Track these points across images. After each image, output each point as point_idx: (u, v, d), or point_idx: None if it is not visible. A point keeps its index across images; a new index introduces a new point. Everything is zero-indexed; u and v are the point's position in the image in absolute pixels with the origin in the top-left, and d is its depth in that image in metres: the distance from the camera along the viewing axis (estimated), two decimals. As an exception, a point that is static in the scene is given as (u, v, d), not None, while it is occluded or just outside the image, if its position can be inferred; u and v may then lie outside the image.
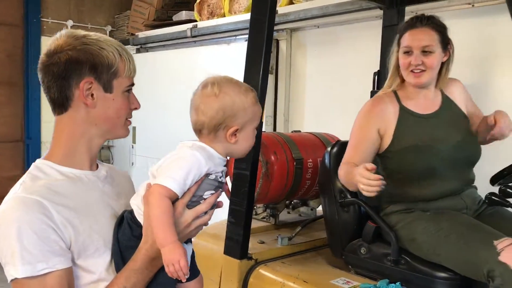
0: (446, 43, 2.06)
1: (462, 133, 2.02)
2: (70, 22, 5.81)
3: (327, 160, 2.28)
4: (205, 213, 1.29)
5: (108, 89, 1.28)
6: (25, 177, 1.25)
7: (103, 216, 1.29)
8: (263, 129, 3.00)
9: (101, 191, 1.33)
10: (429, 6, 3.14)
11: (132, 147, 5.49)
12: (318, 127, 3.37)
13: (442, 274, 1.82)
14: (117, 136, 1.38)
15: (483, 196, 1.93)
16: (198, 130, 1.32)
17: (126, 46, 5.10)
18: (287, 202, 2.63)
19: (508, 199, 1.59)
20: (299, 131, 2.92)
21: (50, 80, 1.26)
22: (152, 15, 5.55)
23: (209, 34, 4.59)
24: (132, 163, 5.47)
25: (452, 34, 3.07)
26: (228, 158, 1.36)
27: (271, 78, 4.12)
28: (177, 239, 1.17)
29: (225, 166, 1.34)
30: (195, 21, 4.84)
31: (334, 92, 3.78)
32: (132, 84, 1.34)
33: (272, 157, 2.36)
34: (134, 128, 5.45)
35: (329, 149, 2.30)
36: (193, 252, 1.38)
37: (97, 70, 1.25)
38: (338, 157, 2.21)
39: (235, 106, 1.28)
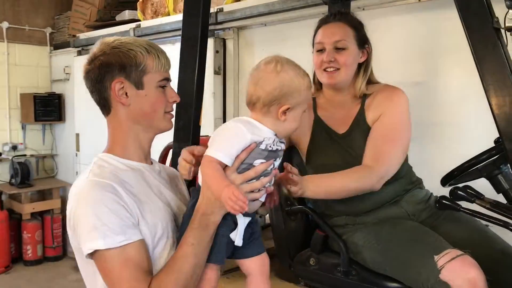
0: (363, 42, 1.91)
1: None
2: (5, 24, 5.46)
3: (279, 166, 2.13)
4: (259, 189, 1.33)
5: (139, 86, 1.38)
6: (92, 166, 1.38)
7: (159, 203, 1.41)
8: (207, 133, 2.85)
9: (158, 181, 1.46)
10: (375, 1, 3.06)
11: (76, 155, 5.19)
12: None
13: (394, 285, 1.71)
14: (161, 130, 1.46)
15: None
16: (253, 104, 1.36)
17: (66, 49, 4.87)
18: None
19: (459, 202, 1.47)
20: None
21: (91, 85, 1.41)
22: (94, 15, 5.30)
23: (153, 34, 4.38)
24: (77, 172, 5.17)
25: (400, 30, 3.06)
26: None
27: (218, 79, 3.96)
28: (230, 183, 1.23)
29: (282, 141, 1.39)
30: (139, 20, 4.63)
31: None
32: (167, 79, 1.43)
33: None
34: (77, 135, 5.17)
35: (276, 153, 2.15)
36: (255, 228, 1.42)
37: (126, 69, 1.36)
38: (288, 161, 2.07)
39: (292, 86, 1.33)
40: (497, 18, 1.16)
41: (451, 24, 2.82)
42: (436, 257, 1.54)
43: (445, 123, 2.76)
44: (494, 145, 1.94)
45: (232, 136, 1.31)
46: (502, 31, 1.16)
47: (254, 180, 1.31)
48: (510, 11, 1.11)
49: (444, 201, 1.47)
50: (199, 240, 1.28)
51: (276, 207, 2.07)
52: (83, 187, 1.31)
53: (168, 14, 4.39)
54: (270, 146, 1.33)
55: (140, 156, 1.45)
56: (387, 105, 1.84)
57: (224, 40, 3.93)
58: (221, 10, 3.83)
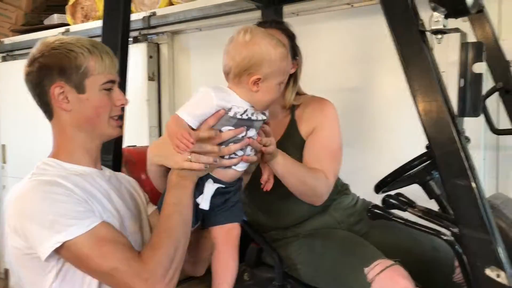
0: (294, 53, 1.88)
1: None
2: None
3: (205, 176, 2.03)
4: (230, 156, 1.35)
5: (80, 90, 1.30)
6: (34, 170, 1.30)
7: (109, 206, 1.34)
8: (142, 143, 2.71)
9: (107, 186, 1.38)
10: (308, 6, 3.04)
11: (2, 168, 4.85)
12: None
13: (330, 298, 1.65)
14: (107, 137, 1.40)
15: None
16: (226, 74, 1.40)
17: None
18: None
19: (391, 211, 1.43)
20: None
21: (31, 89, 1.34)
22: (21, 19, 4.99)
23: (84, 39, 4.17)
24: (4, 186, 4.82)
25: (334, 35, 3.06)
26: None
27: (153, 85, 3.81)
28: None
29: (263, 113, 1.40)
30: (68, 25, 4.40)
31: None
32: (112, 81, 1.34)
33: (142, 176, 2.05)
34: (3, 146, 4.83)
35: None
36: (232, 198, 1.45)
37: (65, 72, 1.28)
38: None
39: (261, 56, 1.33)
40: (422, 20, 1.13)
41: (383, 30, 2.85)
42: (366, 270, 1.53)
43: (378, 128, 2.77)
44: (426, 150, 1.96)
45: (199, 99, 1.34)
46: (428, 34, 1.12)
47: (223, 146, 1.33)
48: (435, 13, 1.08)
49: (375, 211, 1.42)
50: (179, 199, 1.30)
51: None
52: (27, 189, 1.23)
53: (99, 18, 4.20)
54: (240, 115, 1.33)
55: (88, 161, 1.38)
56: (320, 118, 1.81)
57: (158, 45, 3.80)
58: (154, 14, 3.69)
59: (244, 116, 1.34)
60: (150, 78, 3.76)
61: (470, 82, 1.06)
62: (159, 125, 3.85)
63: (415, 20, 1.11)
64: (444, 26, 1.08)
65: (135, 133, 3.61)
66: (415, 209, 1.43)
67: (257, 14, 3.17)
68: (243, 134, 1.36)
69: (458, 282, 1.82)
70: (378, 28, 2.83)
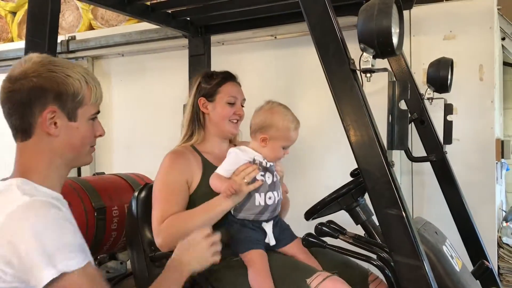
0: None
1: None
2: None
3: (134, 207, 1.97)
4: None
5: (72, 118, 1.27)
6: (17, 188, 1.20)
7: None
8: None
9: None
10: (234, 37, 3.11)
11: None
12: (128, 166, 3.05)
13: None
14: (81, 164, 1.40)
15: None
16: (250, 129, 1.82)
17: None
18: (90, 259, 2.23)
19: (324, 239, 1.49)
20: (103, 173, 2.56)
21: (12, 107, 1.25)
22: None
23: (-6, 62, 3.92)
24: None
25: (258, 65, 3.14)
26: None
27: (72, 112, 3.65)
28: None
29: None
30: (-23, 46, 4.12)
31: (144, 126, 3.50)
32: (98, 112, 1.34)
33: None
34: None
35: (136, 193, 1.99)
36: (281, 224, 1.88)
37: (61, 98, 1.24)
38: (147, 202, 1.93)
39: (273, 122, 1.75)
40: (353, 60, 1.20)
41: (306, 61, 2.99)
42: (308, 280, 1.58)
43: (304, 157, 2.86)
44: (350, 177, 2.05)
45: (232, 159, 1.76)
46: (358, 72, 1.19)
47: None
48: (365, 53, 1.16)
49: (310, 239, 1.46)
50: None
51: (138, 253, 1.92)
52: (27, 207, 1.14)
53: (12, 40, 3.99)
54: (261, 163, 1.75)
55: (59, 187, 1.31)
56: None
57: (77, 70, 3.66)
58: (73, 38, 3.58)
59: (265, 165, 1.76)
60: (69, 104, 3.60)
61: (397, 117, 1.14)
62: (78, 153, 3.70)
63: (347, 59, 1.18)
64: (372, 65, 1.16)
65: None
66: (346, 236, 1.49)
67: (181, 42, 3.18)
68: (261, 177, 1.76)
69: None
70: (301, 59, 3.00)
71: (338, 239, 1.51)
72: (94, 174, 2.43)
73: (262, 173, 1.76)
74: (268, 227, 1.79)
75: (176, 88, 3.21)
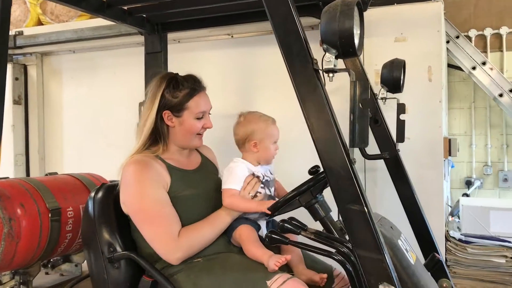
0: None
1: (217, 185, 1.99)
2: None
3: (90, 207, 1.92)
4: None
5: None
6: None
7: None
8: (6, 175, 2.48)
9: None
10: (191, 35, 3.09)
11: None
12: (81, 166, 2.98)
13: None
14: None
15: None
16: (238, 146, 1.96)
17: None
18: (43, 262, 2.16)
19: (286, 235, 1.51)
20: (56, 173, 2.48)
21: None
22: None
23: None
24: None
25: (214, 63, 3.14)
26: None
27: (19, 109, 3.52)
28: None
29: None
30: None
31: (97, 124, 3.41)
32: None
33: (18, 211, 1.89)
34: None
35: (92, 194, 1.94)
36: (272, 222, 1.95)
37: None
38: (104, 203, 1.89)
39: (253, 128, 1.90)
40: (316, 60, 1.23)
41: (263, 60, 3.02)
42: (268, 283, 1.59)
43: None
44: (309, 175, 2.09)
45: (235, 171, 1.87)
46: (321, 72, 1.22)
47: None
48: (327, 54, 1.19)
49: (273, 236, 1.48)
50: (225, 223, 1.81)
51: (95, 254, 1.88)
52: None
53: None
54: (262, 175, 1.90)
55: None
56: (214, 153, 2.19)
57: (25, 66, 3.53)
58: (20, 33, 3.44)
59: (265, 179, 1.91)
60: (16, 102, 3.47)
61: (358, 116, 1.18)
62: (26, 153, 3.56)
63: (310, 59, 1.21)
64: (334, 65, 1.19)
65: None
66: (307, 232, 1.52)
67: (136, 39, 3.14)
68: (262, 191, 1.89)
69: (338, 294, 1.97)
70: (259, 58, 3.03)
71: (300, 235, 1.53)
72: (46, 175, 2.36)
73: (262, 185, 1.89)
74: (262, 223, 1.90)
75: (130, 86, 3.16)
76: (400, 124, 2.13)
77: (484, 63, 3.80)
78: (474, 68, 3.81)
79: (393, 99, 2.12)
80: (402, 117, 2.11)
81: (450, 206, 3.35)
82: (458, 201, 3.36)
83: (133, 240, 1.87)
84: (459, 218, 3.26)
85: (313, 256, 2.02)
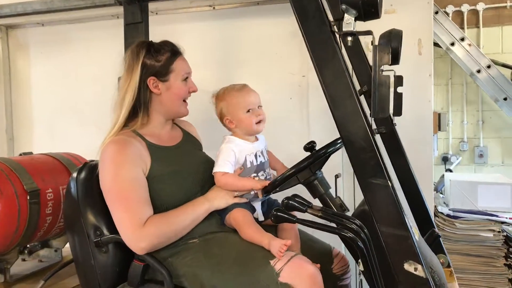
0: None
1: (203, 157, 1.94)
2: None
3: (73, 189, 1.78)
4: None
5: None
6: None
7: None
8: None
9: None
10: (170, 6, 2.93)
11: None
12: (55, 146, 2.79)
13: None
14: None
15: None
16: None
17: None
18: (20, 248, 2.01)
19: (292, 213, 1.43)
20: (31, 153, 2.30)
21: None
22: None
23: None
24: None
25: (194, 36, 2.99)
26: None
27: (-16, 87, 3.28)
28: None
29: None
30: None
31: (70, 102, 3.22)
32: None
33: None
34: None
35: (75, 174, 1.81)
36: (271, 202, 1.90)
37: None
38: (88, 183, 1.77)
39: (222, 103, 1.80)
40: (333, 22, 1.13)
41: (246, 33, 2.89)
42: (272, 262, 1.53)
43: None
44: (304, 151, 2.01)
45: (225, 153, 1.76)
46: (337, 36, 1.12)
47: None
48: (346, 15, 1.09)
49: (279, 214, 1.39)
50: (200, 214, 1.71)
51: (81, 238, 1.76)
52: None
53: None
54: (254, 162, 1.79)
55: None
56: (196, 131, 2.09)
57: (-11, 40, 3.28)
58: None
59: (257, 161, 1.80)
60: (-20, 78, 3.23)
61: (378, 84, 1.09)
62: (-7, 132, 3.34)
63: (327, 21, 1.11)
64: (353, 28, 1.09)
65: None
66: (314, 209, 1.44)
67: (111, 11, 2.95)
68: (256, 179, 1.78)
69: (337, 274, 1.90)
70: (241, 31, 2.89)
71: (306, 213, 1.45)
72: (21, 154, 2.19)
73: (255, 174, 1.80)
74: (257, 204, 1.80)
75: (106, 61, 2.98)
76: (398, 97, 2.05)
77: (462, 39, 3.80)
78: (452, 44, 3.80)
79: (389, 71, 2.05)
80: (400, 89, 2.03)
81: (434, 182, 3.35)
82: (442, 176, 3.36)
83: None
84: (442, 193, 3.27)
85: (311, 235, 1.96)
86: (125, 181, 1.63)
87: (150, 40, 1.87)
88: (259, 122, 1.81)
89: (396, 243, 1.08)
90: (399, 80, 2.07)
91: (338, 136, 2.70)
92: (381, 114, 1.11)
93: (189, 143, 1.95)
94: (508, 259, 2.63)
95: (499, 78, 3.71)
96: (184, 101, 1.85)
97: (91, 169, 1.81)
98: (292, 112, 2.83)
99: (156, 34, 2.47)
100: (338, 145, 1.72)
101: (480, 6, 4.05)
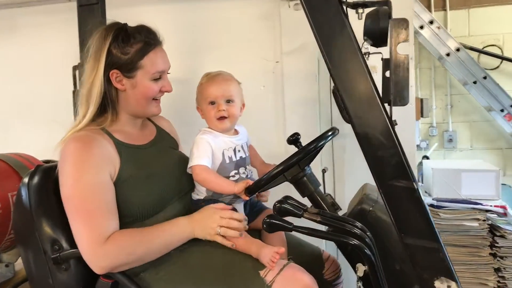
0: None
1: (178, 157, 1.71)
2: None
3: (24, 196, 1.53)
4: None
5: None
6: None
7: None
8: None
9: None
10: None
11: None
12: (3, 146, 2.50)
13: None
14: None
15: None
16: None
17: None
18: (-35, 266, 1.73)
19: (286, 218, 1.23)
20: (-28, 155, 2.00)
21: None
22: None
23: None
24: None
25: (156, 20, 2.72)
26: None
27: None
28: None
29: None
30: None
31: (20, 96, 2.89)
32: None
33: None
34: None
35: (26, 179, 1.55)
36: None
37: None
38: (42, 190, 1.53)
39: (197, 91, 1.69)
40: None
41: (211, 16, 2.66)
42: (262, 273, 1.36)
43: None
44: (288, 144, 1.82)
45: (200, 146, 1.58)
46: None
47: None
48: (357, -17, 0.89)
49: (273, 221, 1.20)
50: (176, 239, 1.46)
51: (36, 254, 1.51)
52: None
53: None
54: (234, 158, 1.62)
55: None
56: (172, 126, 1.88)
57: None
58: None
59: (236, 157, 1.62)
60: None
61: (394, 65, 0.90)
62: None
63: (334, -9, 0.91)
64: (365, -1, 0.90)
65: None
66: (311, 213, 1.25)
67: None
68: (236, 176, 1.63)
69: (329, 280, 1.75)
70: (208, 13, 2.66)
71: (301, 218, 1.26)
72: (-40, 157, 1.88)
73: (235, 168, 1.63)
74: (239, 206, 1.63)
75: (57, 49, 2.70)
76: (385, 82, 1.89)
77: (431, 22, 3.71)
78: (421, 27, 3.71)
79: (378, 53, 1.88)
80: (388, 74, 1.87)
81: (413, 171, 3.25)
82: (420, 164, 3.25)
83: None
84: (421, 182, 3.16)
85: (299, 238, 1.78)
86: (88, 188, 1.39)
87: (124, 23, 1.57)
88: (221, 118, 1.61)
89: (426, 257, 0.90)
90: (387, 64, 1.91)
91: (316, 127, 2.56)
92: (400, 102, 0.92)
93: (162, 141, 1.72)
94: (493, 248, 2.54)
95: (468, 61, 3.66)
96: (155, 99, 1.59)
97: (46, 172, 1.56)
98: (265, 102, 2.63)
99: (116, 17, 2.22)
100: (330, 137, 1.53)
101: (451, -15, 3.98)
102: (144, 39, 1.52)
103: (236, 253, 1.45)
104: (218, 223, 1.45)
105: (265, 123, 2.61)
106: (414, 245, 0.91)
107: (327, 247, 1.83)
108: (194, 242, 1.52)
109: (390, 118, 0.90)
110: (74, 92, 2.12)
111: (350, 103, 0.92)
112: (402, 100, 0.93)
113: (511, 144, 3.81)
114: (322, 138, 1.52)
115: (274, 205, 1.26)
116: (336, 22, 0.89)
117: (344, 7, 0.92)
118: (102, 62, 1.49)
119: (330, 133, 1.53)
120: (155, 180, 1.53)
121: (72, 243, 1.47)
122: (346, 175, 2.56)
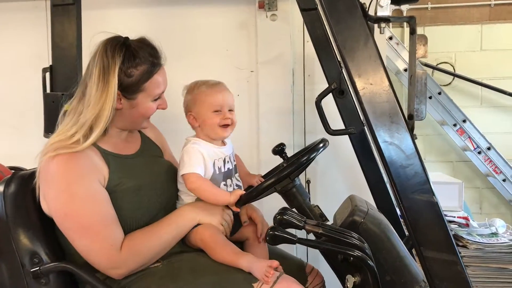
0: None
1: (165, 165, 1.67)
2: None
3: (0, 206, 1.43)
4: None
5: None
6: None
7: None
8: None
9: None
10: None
11: None
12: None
13: None
14: None
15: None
16: None
17: None
18: None
19: (290, 230, 1.22)
20: None
21: None
22: None
23: None
24: None
25: (131, 24, 2.65)
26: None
27: None
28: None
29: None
30: None
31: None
32: None
33: None
34: None
35: (1, 187, 1.45)
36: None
37: None
38: (19, 199, 1.44)
39: (189, 96, 1.63)
40: (365, 4, 0.93)
41: (185, 23, 2.61)
42: (255, 285, 1.32)
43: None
44: (273, 154, 1.81)
45: (192, 155, 1.54)
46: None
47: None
48: (383, -1, 0.90)
49: (277, 233, 1.18)
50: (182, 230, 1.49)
51: (12, 268, 1.41)
52: None
53: None
54: (222, 169, 1.59)
55: None
56: (160, 133, 1.82)
57: None
58: None
59: (224, 168, 1.60)
60: None
61: (417, 79, 0.92)
62: None
63: (358, 4, 0.91)
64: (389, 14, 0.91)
65: None
66: (311, 225, 1.25)
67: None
68: (224, 188, 1.60)
69: (312, 292, 1.74)
70: (181, 19, 2.60)
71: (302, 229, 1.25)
72: None
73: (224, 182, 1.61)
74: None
75: (31, 48, 2.55)
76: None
77: (390, 38, 3.84)
78: (379, 42, 3.83)
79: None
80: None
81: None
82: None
83: (61, 245, 1.45)
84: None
85: (281, 250, 1.77)
86: (84, 202, 1.33)
87: (125, 36, 1.48)
88: (225, 126, 1.59)
89: (444, 270, 0.92)
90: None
91: (290, 137, 2.56)
92: (418, 117, 0.94)
93: (148, 151, 1.66)
94: (456, 258, 2.64)
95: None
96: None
97: (23, 180, 1.47)
98: (240, 110, 2.60)
99: (89, 19, 2.14)
100: (321, 149, 1.54)
101: (404, 7, 4.13)
102: (148, 59, 1.46)
103: (227, 266, 1.42)
104: (222, 215, 1.53)
105: (238, 132, 2.59)
106: (433, 258, 0.93)
107: (310, 259, 1.82)
108: (180, 254, 1.49)
109: (412, 131, 0.91)
110: (45, 95, 2.00)
111: (373, 117, 0.92)
112: (420, 114, 0.95)
113: (462, 157, 3.97)
114: (314, 150, 1.52)
115: (275, 216, 1.24)
116: (360, 36, 0.90)
117: (368, 22, 0.93)
118: (112, 85, 1.40)
119: (321, 145, 1.54)
120: (143, 192, 1.49)
121: (53, 256, 1.40)
122: (326, 186, 2.58)
